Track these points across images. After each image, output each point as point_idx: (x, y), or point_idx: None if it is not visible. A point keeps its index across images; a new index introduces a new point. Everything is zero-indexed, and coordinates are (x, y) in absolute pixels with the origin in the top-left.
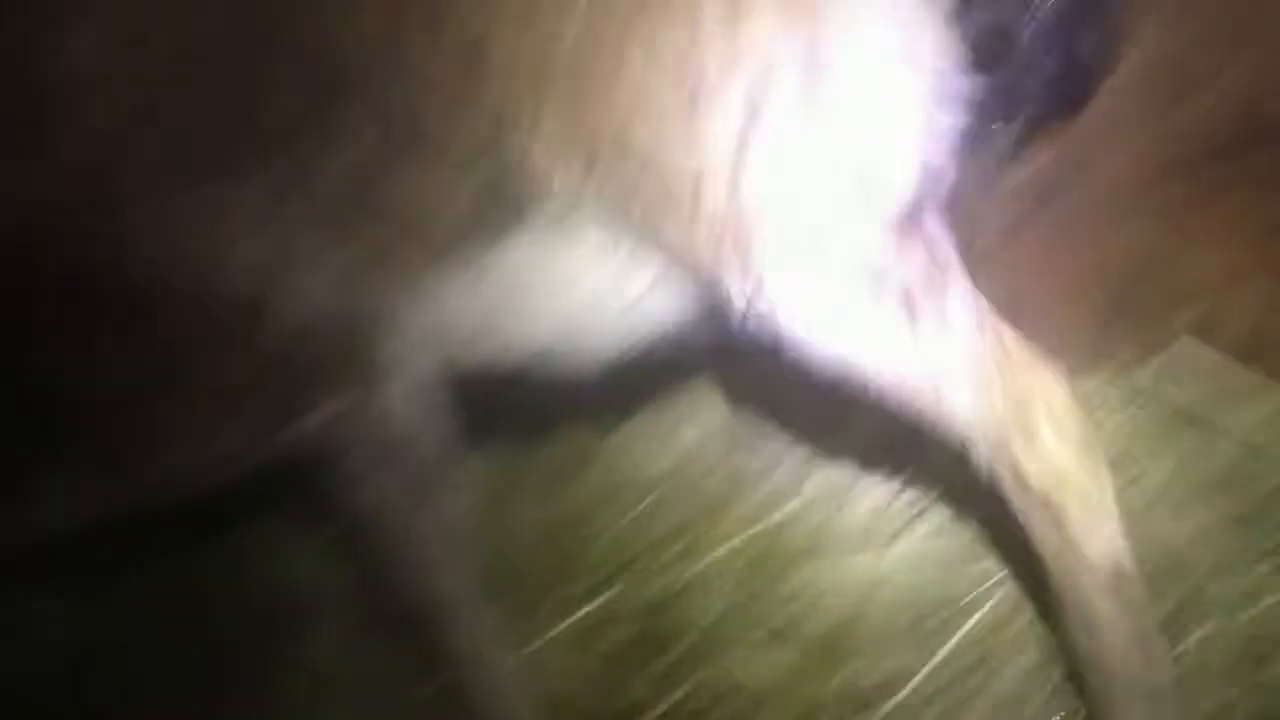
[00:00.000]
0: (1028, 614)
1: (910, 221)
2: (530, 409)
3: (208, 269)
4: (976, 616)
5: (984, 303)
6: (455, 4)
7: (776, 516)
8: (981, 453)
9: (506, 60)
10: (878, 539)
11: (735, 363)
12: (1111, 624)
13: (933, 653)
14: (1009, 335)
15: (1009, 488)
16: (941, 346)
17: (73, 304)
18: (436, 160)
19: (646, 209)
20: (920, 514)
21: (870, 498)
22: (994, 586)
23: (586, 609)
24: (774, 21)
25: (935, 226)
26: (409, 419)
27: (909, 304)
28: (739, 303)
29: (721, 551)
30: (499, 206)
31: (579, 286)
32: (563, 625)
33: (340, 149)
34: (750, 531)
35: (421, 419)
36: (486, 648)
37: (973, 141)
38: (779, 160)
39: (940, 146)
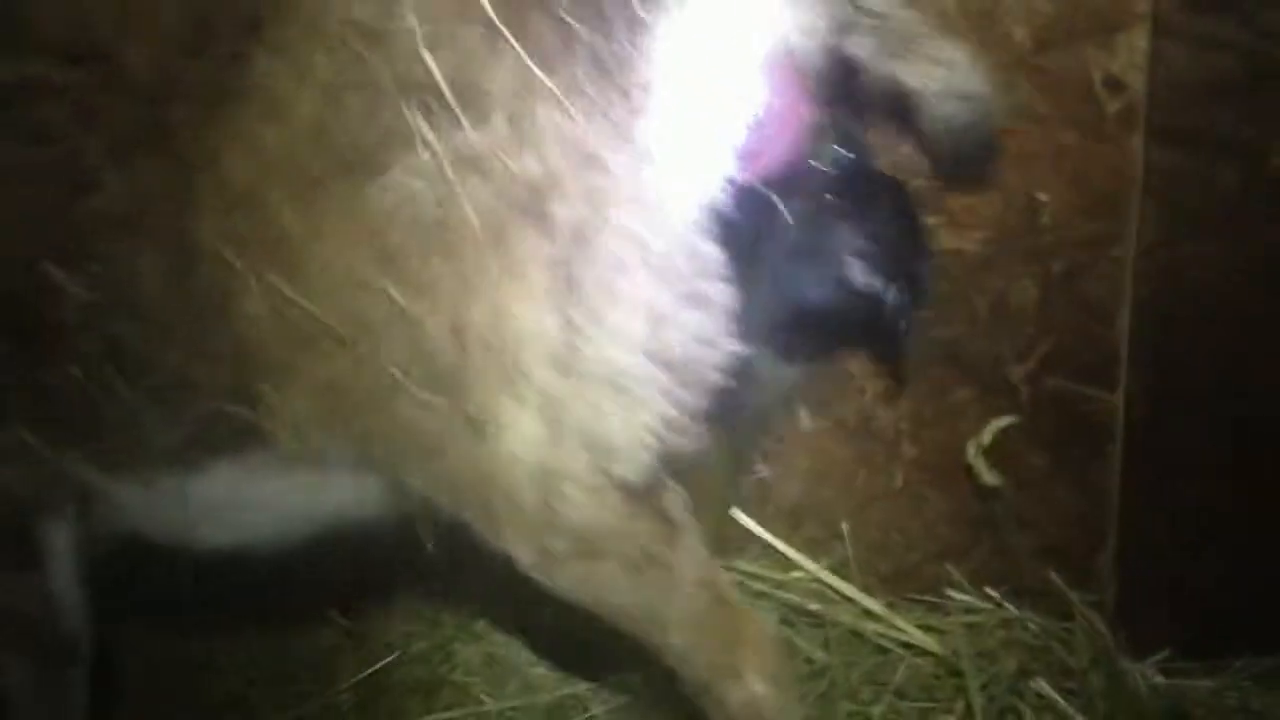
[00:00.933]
0: None
1: (645, 491)
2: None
3: None
4: None
5: (707, 559)
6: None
7: None
8: (689, 684)
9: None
10: None
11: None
12: None
13: None
14: (726, 585)
15: (713, 714)
16: (663, 598)
17: None
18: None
19: (394, 458)
20: None
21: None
22: None
23: None
24: (538, 310)
25: (671, 495)
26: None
27: (633, 560)
28: (481, 541)
29: None
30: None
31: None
32: None
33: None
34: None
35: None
36: None
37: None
38: (524, 427)
39: (677, 431)
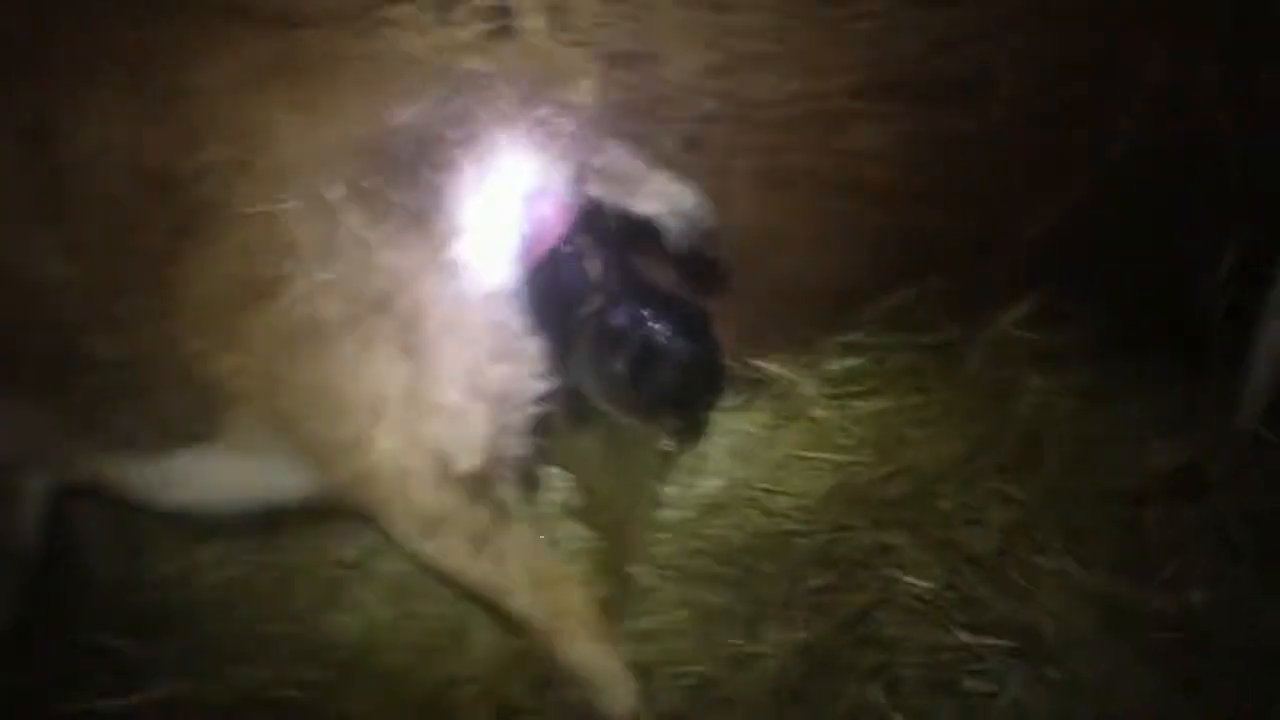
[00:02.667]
0: None
1: (479, 486)
2: None
3: None
4: None
5: (539, 544)
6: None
7: None
8: (535, 640)
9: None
10: None
11: None
12: None
13: None
14: (553, 563)
15: (555, 668)
16: (499, 570)
17: None
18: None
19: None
20: None
21: None
22: None
23: None
24: (388, 367)
25: (504, 490)
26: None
27: (473, 540)
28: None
29: None
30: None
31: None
32: None
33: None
34: None
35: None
36: None
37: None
38: (385, 443)
39: (506, 442)
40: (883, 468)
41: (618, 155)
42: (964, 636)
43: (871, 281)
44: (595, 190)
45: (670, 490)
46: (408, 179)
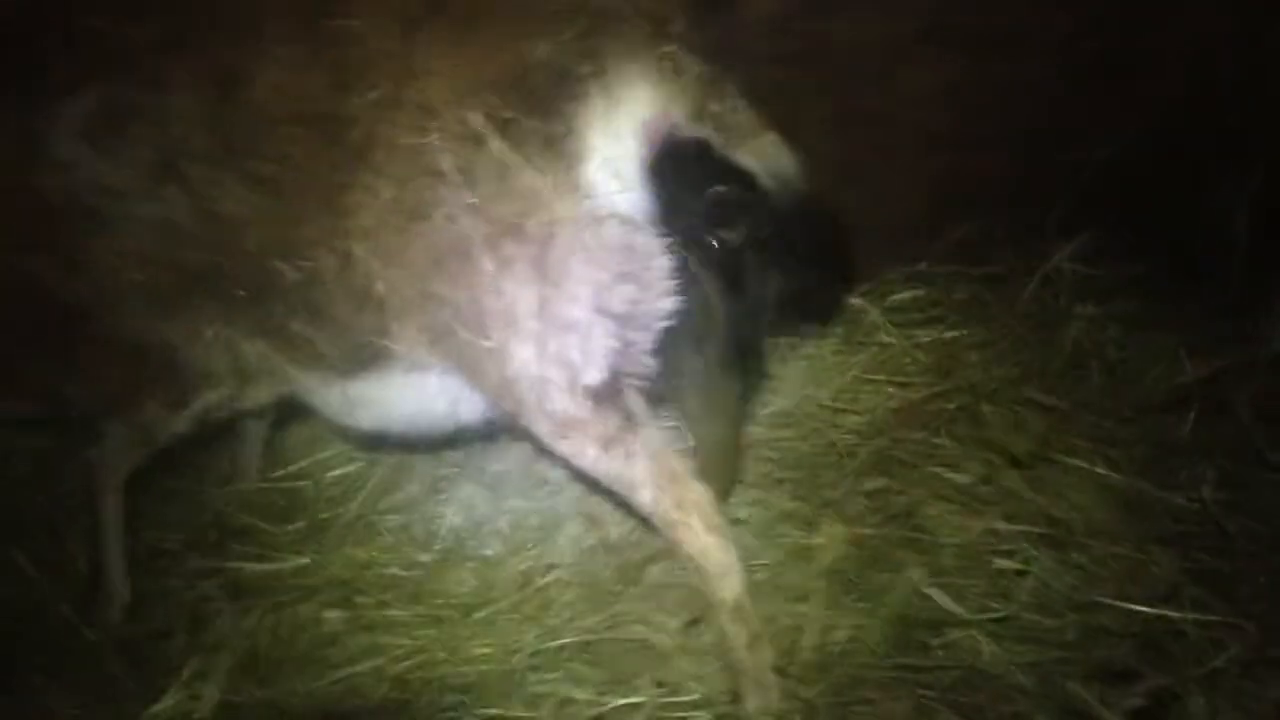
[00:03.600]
0: None
1: (607, 395)
2: None
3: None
4: None
5: (664, 446)
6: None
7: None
8: (660, 529)
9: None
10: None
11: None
12: (735, 635)
13: None
14: (677, 463)
15: (675, 548)
16: (627, 468)
17: None
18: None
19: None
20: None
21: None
22: None
23: None
24: (520, 285)
25: (633, 400)
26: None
27: (603, 443)
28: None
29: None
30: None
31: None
32: None
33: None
34: None
35: None
36: None
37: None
38: (522, 353)
39: (626, 358)
40: (939, 386)
41: (734, 104)
42: (998, 524)
43: (935, 218)
44: (705, 133)
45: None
46: (542, 109)
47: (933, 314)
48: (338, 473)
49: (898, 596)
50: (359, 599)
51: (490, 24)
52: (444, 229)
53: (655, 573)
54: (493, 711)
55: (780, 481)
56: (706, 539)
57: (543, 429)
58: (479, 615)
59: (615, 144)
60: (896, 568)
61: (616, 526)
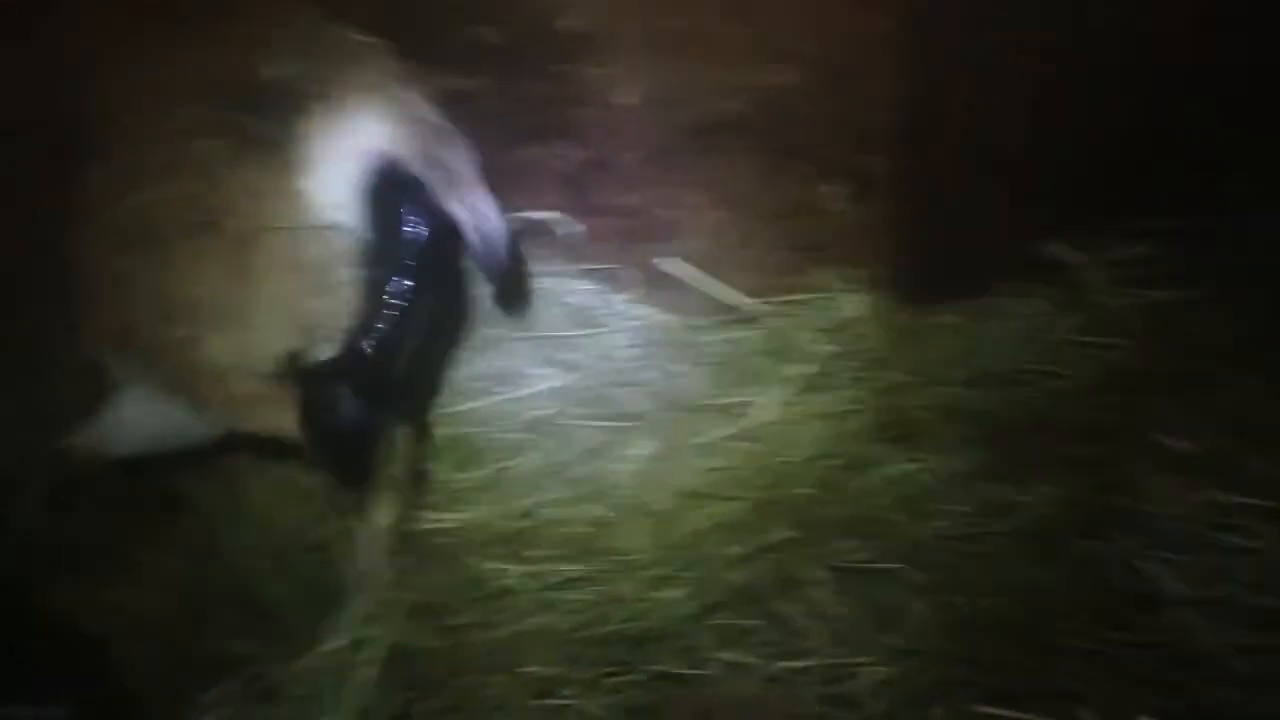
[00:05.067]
0: None
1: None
2: None
3: None
4: None
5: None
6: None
7: None
8: None
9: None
10: None
11: None
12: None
13: None
14: None
15: None
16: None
17: None
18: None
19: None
20: None
21: None
22: None
23: None
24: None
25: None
26: None
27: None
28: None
29: None
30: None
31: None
32: None
33: None
34: None
35: None
36: None
37: None
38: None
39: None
40: (1157, 348)
41: (457, 154)
42: (1221, 497)
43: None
44: (426, 176)
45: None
46: (263, 115)
47: (1150, 272)
48: (519, 418)
49: (1105, 566)
50: (532, 553)
51: (218, 30)
52: (134, 218)
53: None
54: (661, 668)
55: (983, 440)
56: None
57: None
58: (651, 573)
59: (335, 165)
60: (1107, 536)
61: None
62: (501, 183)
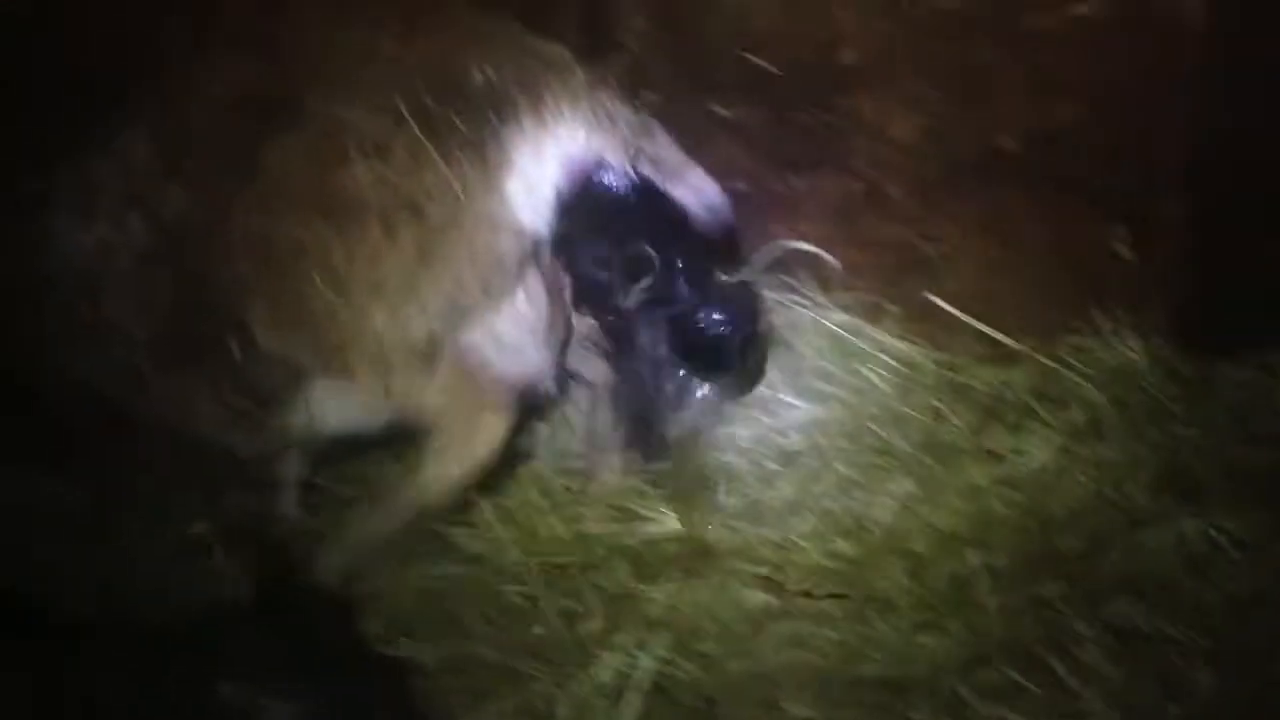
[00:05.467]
0: None
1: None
2: None
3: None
4: None
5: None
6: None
7: None
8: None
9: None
10: None
11: None
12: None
13: None
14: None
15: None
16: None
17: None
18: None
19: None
20: None
21: None
22: None
23: None
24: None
25: None
26: None
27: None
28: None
29: None
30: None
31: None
32: None
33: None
34: None
35: None
36: None
37: None
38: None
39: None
40: None
41: (665, 143)
42: None
43: None
44: (643, 169)
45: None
46: (470, 114)
47: None
48: (774, 447)
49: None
50: (783, 582)
51: (438, 29)
52: (340, 195)
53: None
54: (923, 718)
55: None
56: (476, 439)
57: (369, 380)
58: (912, 617)
59: (536, 167)
60: None
61: None
62: (768, 211)
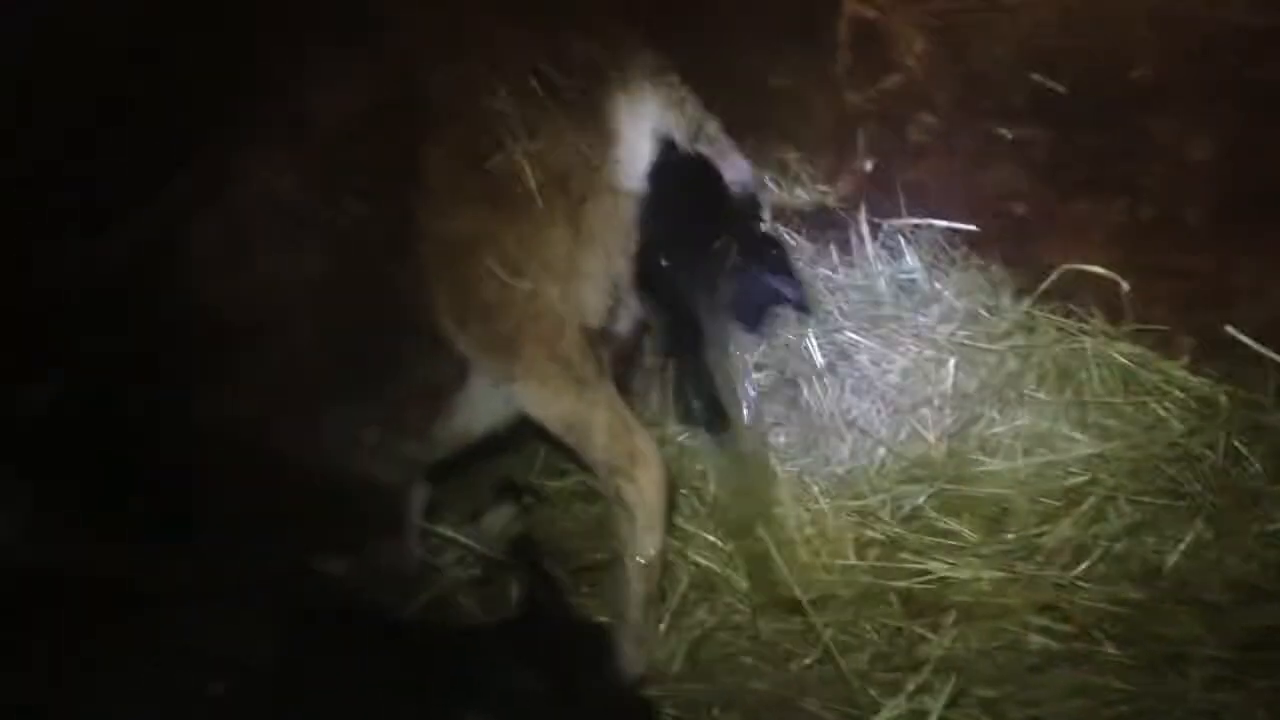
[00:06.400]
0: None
1: (595, 342)
2: None
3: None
4: None
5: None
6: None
7: None
8: (602, 474)
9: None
10: None
11: None
12: (636, 591)
13: None
14: (631, 417)
15: (611, 496)
16: (589, 414)
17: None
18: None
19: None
20: None
21: None
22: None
23: None
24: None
25: (604, 356)
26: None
27: (579, 386)
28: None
29: None
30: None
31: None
32: None
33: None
34: None
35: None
36: None
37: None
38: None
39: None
40: None
41: (716, 125)
42: None
43: None
44: (703, 149)
45: None
46: (580, 89)
47: None
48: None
49: None
50: (1062, 627)
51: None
52: (490, 184)
53: None
54: None
55: None
56: (648, 493)
57: (534, 372)
58: (1210, 671)
59: (634, 136)
60: None
61: None
62: (1051, 236)
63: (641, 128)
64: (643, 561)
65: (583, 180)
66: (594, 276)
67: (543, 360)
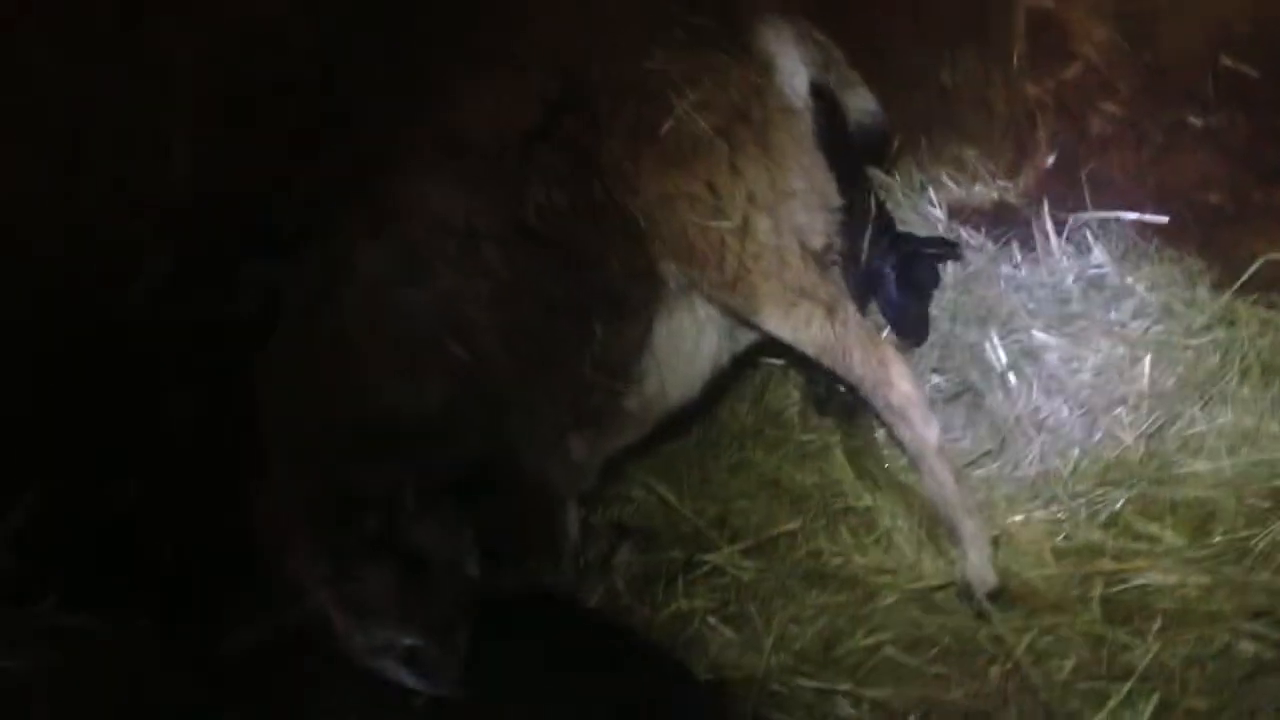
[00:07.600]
0: None
1: (826, 263)
2: None
3: None
4: None
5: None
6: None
7: None
8: (866, 389)
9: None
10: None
11: None
12: (942, 472)
13: None
14: (872, 329)
15: (881, 407)
16: (844, 335)
17: None
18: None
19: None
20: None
21: None
22: None
23: None
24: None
25: (838, 276)
26: None
27: (828, 310)
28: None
29: None
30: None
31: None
32: None
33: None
34: None
35: None
36: None
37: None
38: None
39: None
40: None
41: (843, 60)
42: None
43: None
44: (828, 79)
45: None
46: (730, 24)
47: None
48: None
49: None
50: (1277, 634)
51: None
52: (680, 130)
53: None
54: None
55: None
56: (907, 389)
57: (773, 306)
58: None
59: (786, 59)
60: None
61: None
62: (1250, 223)
63: (789, 51)
64: (935, 447)
65: (759, 108)
66: (800, 194)
67: (779, 292)
